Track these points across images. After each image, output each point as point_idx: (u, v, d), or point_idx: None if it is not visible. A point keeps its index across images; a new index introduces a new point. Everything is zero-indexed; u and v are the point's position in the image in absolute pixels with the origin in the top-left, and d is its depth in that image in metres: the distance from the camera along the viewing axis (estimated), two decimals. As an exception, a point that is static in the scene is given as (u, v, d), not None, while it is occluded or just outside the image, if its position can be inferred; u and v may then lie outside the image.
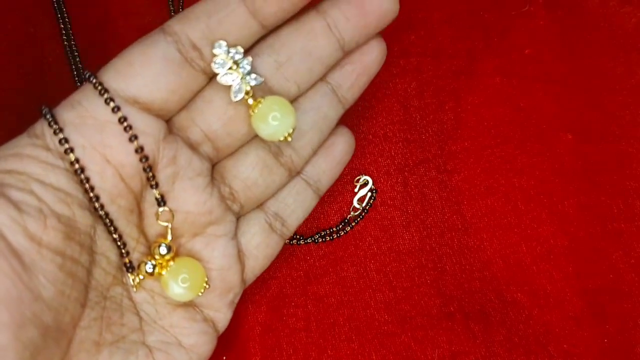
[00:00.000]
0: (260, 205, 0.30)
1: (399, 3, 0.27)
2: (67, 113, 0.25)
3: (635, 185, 0.34)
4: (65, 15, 0.35)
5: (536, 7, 0.36)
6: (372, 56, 0.29)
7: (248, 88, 0.27)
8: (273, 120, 0.27)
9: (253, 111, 0.27)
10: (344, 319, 0.33)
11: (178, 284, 0.27)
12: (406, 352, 0.33)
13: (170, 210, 0.27)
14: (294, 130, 0.27)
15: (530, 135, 0.35)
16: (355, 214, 0.34)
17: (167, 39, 0.26)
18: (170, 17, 0.35)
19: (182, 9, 0.36)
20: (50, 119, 0.25)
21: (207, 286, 0.28)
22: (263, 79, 0.27)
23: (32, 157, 0.25)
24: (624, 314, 0.33)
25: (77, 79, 0.35)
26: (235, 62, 0.26)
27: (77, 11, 0.36)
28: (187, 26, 0.26)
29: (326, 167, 0.31)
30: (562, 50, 0.35)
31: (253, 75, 0.27)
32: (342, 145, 0.31)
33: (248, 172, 0.29)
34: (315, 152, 0.30)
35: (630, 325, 0.33)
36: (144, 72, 0.25)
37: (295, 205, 0.31)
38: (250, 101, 0.27)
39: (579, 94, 0.35)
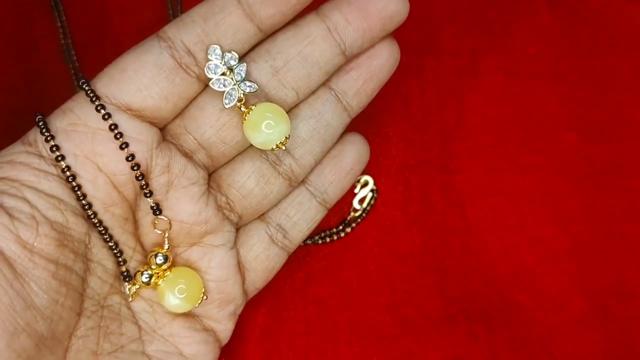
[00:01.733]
0: (262, 216, 0.30)
1: (408, 4, 0.26)
2: (59, 121, 0.25)
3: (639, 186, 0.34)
4: (62, 13, 0.35)
5: (539, 4, 0.36)
6: (381, 60, 0.28)
7: (241, 95, 0.26)
8: (266, 128, 0.26)
9: (245, 119, 0.26)
10: (344, 322, 0.33)
11: (174, 294, 0.27)
12: (407, 355, 0.33)
13: (168, 219, 0.27)
14: (287, 138, 0.27)
15: (534, 135, 0.34)
16: (356, 214, 0.34)
17: (161, 45, 0.25)
18: (168, 15, 0.35)
19: (180, 7, 0.36)
20: (42, 127, 0.25)
21: (205, 297, 0.28)
22: (257, 87, 0.26)
23: (25, 165, 0.25)
24: (629, 315, 0.33)
25: (74, 77, 0.35)
26: (230, 68, 0.26)
27: (74, 9, 0.35)
28: (182, 31, 0.26)
29: (333, 178, 0.30)
30: (566, 48, 0.35)
31: (247, 83, 0.26)
32: (352, 155, 0.30)
33: (243, 181, 0.28)
34: (319, 162, 0.29)
35: (635, 327, 0.33)
36: (136, 78, 0.25)
37: (297, 216, 0.30)
38: (243, 108, 0.26)
39: (583, 93, 0.35)
